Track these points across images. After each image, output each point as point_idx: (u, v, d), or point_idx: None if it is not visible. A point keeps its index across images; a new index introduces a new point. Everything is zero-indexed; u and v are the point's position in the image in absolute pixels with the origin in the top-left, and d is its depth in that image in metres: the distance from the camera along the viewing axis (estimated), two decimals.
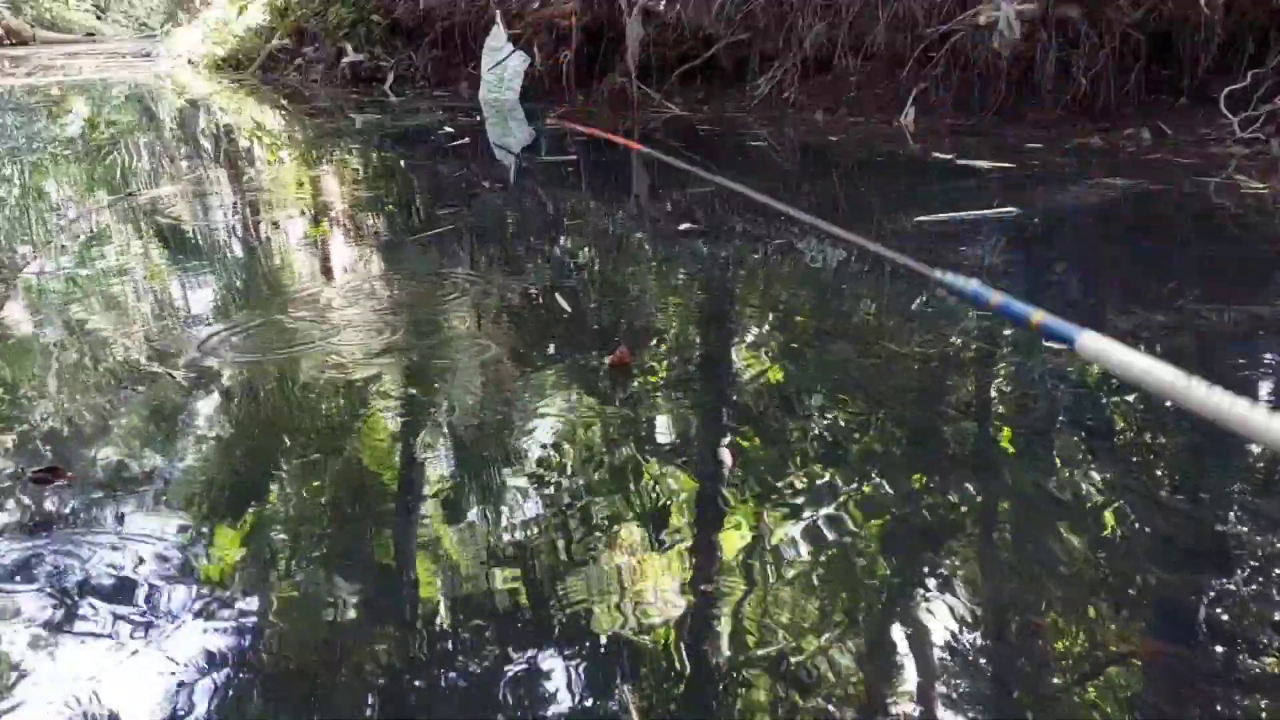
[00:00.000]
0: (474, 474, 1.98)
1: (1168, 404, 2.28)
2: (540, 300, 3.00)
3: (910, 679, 1.39)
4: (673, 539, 1.72)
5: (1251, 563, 1.61)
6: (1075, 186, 4.36)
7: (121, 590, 1.59)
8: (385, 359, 2.53)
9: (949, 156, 5.04)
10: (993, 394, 2.35)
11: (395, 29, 9.19)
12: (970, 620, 1.49)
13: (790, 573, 1.63)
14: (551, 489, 1.89)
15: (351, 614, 1.55)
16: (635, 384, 2.37)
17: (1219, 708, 1.32)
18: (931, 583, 1.58)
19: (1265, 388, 2.35)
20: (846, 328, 2.73)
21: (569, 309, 2.87)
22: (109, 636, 1.48)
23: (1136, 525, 1.74)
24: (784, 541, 1.71)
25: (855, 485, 1.89)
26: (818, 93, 6.71)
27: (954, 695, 1.36)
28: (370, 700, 1.37)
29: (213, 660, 1.43)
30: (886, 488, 1.89)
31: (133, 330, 2.81)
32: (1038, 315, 0.52)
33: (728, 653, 1.43)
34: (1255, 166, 4.55)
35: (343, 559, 1.69)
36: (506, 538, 1.74)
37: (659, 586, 1.60)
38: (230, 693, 1.38)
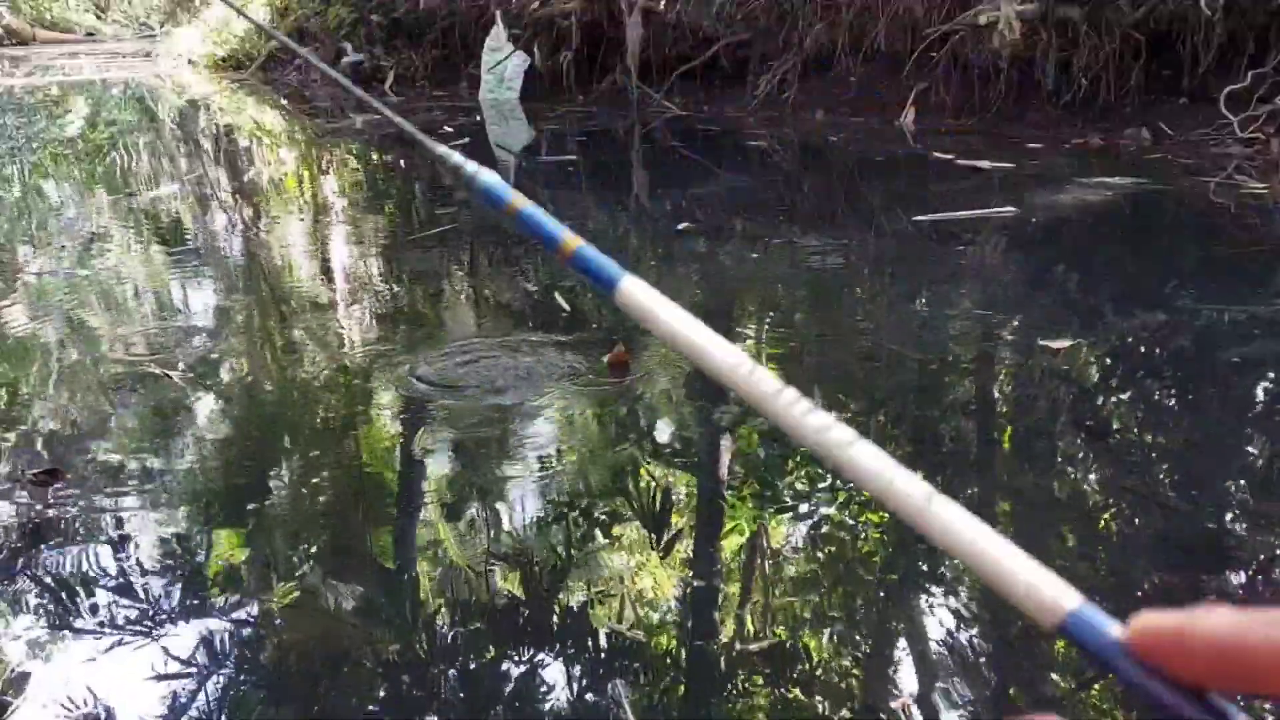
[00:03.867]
0: (472, 472, 1.98)
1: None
2: (540, 299, 3.00)
3: (909, 679, 1.39)
4: (672, 538, 1.72)
5: (1251, 562, 1.61)
6: (1075, 186, 4.36)
7: (121, 590, 1.59)
8: (384, 358, 2.53)
9: (949, 156, 5.04)
10: (993, 394, 2.35)
11: (395, 29, 9.19)
12: (970, 620, 1.49)
13: (790, 572, 1.63)
14: (550, 487, 1.89)
15: (351, 613, 1.55)
16: (633, 381, 2.37)
17: None
18: (931, 583, 1.58)
19: (1262, 387, 2.35)
20: (846, 328, 2.73)
21: (568, 308, 2.87)
22: (109, 636, 1.48)
23: (1136, 525, 1.75)
24: (783, 541, 1.71)
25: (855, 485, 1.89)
26: (818, 93, 6.71)
27: (954, 695, 1.36)
28: (370, 699, 1.37)
29: (213, 660, 1.43)
30: None
31: (132, 330, 2.81)
32: (518, 200, 0.30)
33: (726, 651, 1.43)
34: (1255, 166, 4.55)
35: (342, 558, 1.69)
36: (505, 537, 1.74)
37: (658, 585, 1.60)
38: (230, 692, 1.38)
